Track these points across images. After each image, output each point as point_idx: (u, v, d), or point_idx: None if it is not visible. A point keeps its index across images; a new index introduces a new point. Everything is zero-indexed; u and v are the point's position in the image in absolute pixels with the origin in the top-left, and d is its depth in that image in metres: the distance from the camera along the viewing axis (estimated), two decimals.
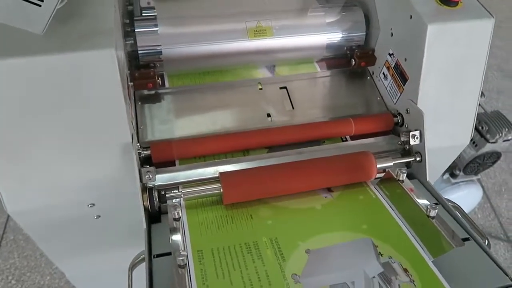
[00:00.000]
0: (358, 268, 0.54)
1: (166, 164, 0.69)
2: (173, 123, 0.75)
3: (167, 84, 0.81)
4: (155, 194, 0.63)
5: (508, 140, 1.20)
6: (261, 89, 0.82)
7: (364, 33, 0.85)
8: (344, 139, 0.78)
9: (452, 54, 0.71)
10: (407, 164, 0.74)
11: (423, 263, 0.55)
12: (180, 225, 0.57)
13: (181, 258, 0.49)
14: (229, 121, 0.76)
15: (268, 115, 0.78)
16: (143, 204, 0.61)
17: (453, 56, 0.71)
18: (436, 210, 0.57)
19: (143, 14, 0.80)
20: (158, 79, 0.76)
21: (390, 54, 0.80)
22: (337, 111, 0.82)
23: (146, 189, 0.63)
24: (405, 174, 0.64)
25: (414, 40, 0.71)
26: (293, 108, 0.80)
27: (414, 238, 0.59)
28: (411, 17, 0.71)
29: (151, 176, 0.62)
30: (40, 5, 0.51)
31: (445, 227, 0.56)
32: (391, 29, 0.79)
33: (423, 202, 0.61)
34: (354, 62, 0.84)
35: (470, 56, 0.72)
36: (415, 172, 0.74)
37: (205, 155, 0.71)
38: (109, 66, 0.57)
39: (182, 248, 0.52)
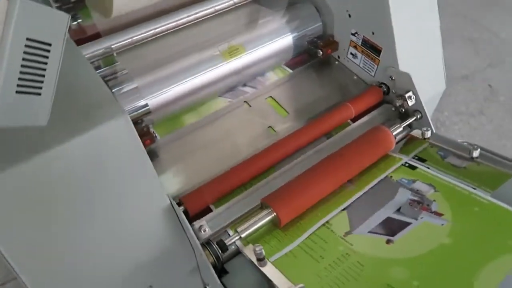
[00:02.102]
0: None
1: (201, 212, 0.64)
2: (185, 171, 0.70)
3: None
4: (215, 245, 0.58)
5: None
6: (250, 106, 0.80)
7: (320, 23, 0.88)
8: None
9: (413, 12, 0.76)
10: (409, 125, 0.78)
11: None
12: (267, 264, 0.53)
13: None
14: (238, 147, 0.74)
15: (269, 127, 0.78)
16: (210, 261, 0.56)
17: (415, 14, 0.77)
18: (479, 150, 0.61)
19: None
20: (154, 133, 0.70)
21: (353, 34, 0.84)
22: (326, 101, 0.83)
23: (204, 245, 0.58)
24: (429, 132, 0.68)
25: (377, 13, 0.75)
26: (287, 113, 0.80)
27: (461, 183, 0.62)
28: None
29: (206, 229, 0.57)
30: (40, 94, 0.45)
31: (492, 161, 0.60)
32: (347, 11, 0.82)
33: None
34: (321, 52, 0.86)
35: (426, 8, 0.78)
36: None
37: (235, 188, 0.68)
38: (128, 133, 0.52)
39: (291, 284, 0.49)
